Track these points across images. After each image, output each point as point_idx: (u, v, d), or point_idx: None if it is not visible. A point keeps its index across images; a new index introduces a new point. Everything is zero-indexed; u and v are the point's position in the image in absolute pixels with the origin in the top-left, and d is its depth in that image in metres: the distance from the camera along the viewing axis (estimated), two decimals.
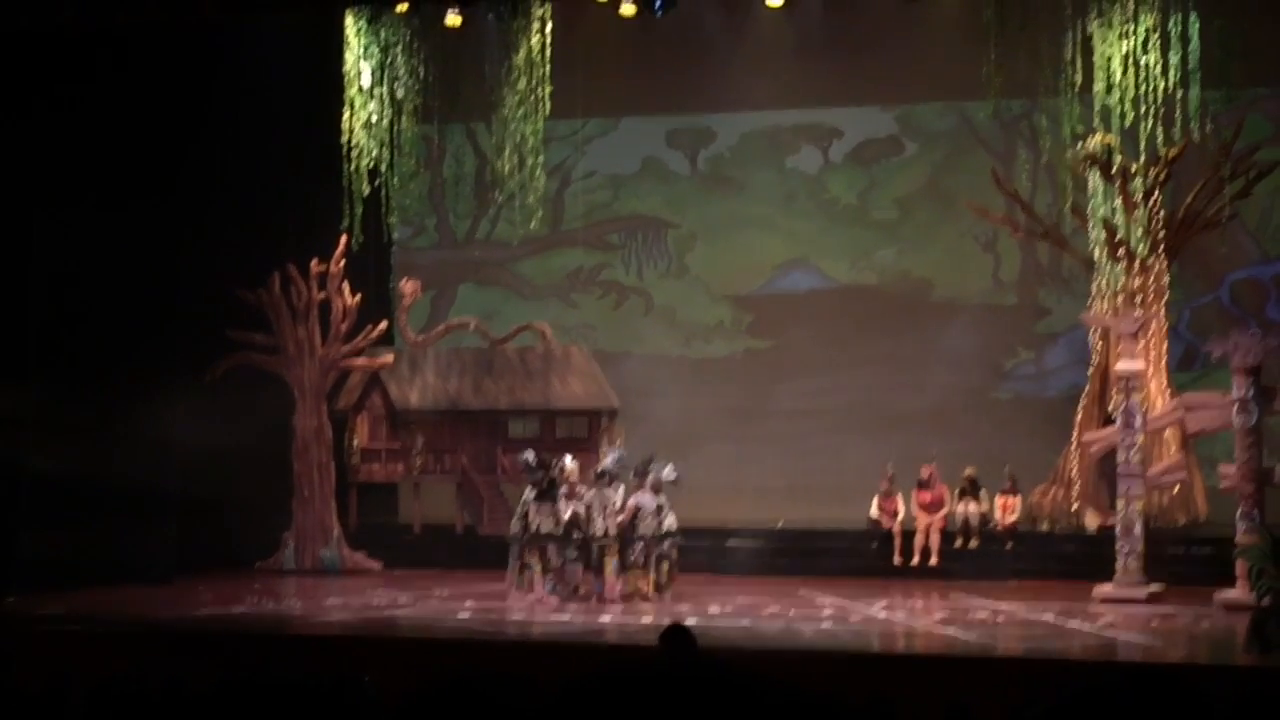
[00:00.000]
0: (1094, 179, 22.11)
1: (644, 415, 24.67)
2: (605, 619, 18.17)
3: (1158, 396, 21.70)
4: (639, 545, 19.63)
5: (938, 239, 26.27)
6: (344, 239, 23.01)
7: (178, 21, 22.03)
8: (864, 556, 22.24)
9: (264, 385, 23.21)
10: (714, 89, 26.03)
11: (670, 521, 19.81)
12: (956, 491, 22.13)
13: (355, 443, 24.22)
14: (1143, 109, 20.39)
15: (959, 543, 22.02)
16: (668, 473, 19.89)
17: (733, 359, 27.13)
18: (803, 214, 26.98)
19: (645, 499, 19.70)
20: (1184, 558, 20.99)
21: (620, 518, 19.62)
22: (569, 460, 20.28)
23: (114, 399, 20.53)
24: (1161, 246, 22.20)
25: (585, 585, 19.76)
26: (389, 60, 22.95)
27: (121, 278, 21.43)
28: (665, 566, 19.93)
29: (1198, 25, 20.33)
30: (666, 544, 19.89)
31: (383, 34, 22.91)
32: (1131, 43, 20.42)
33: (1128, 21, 20.49)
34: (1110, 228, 22.06)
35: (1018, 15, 21.38)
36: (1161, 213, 22.23)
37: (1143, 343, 21.05)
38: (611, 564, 19.52)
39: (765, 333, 27.00)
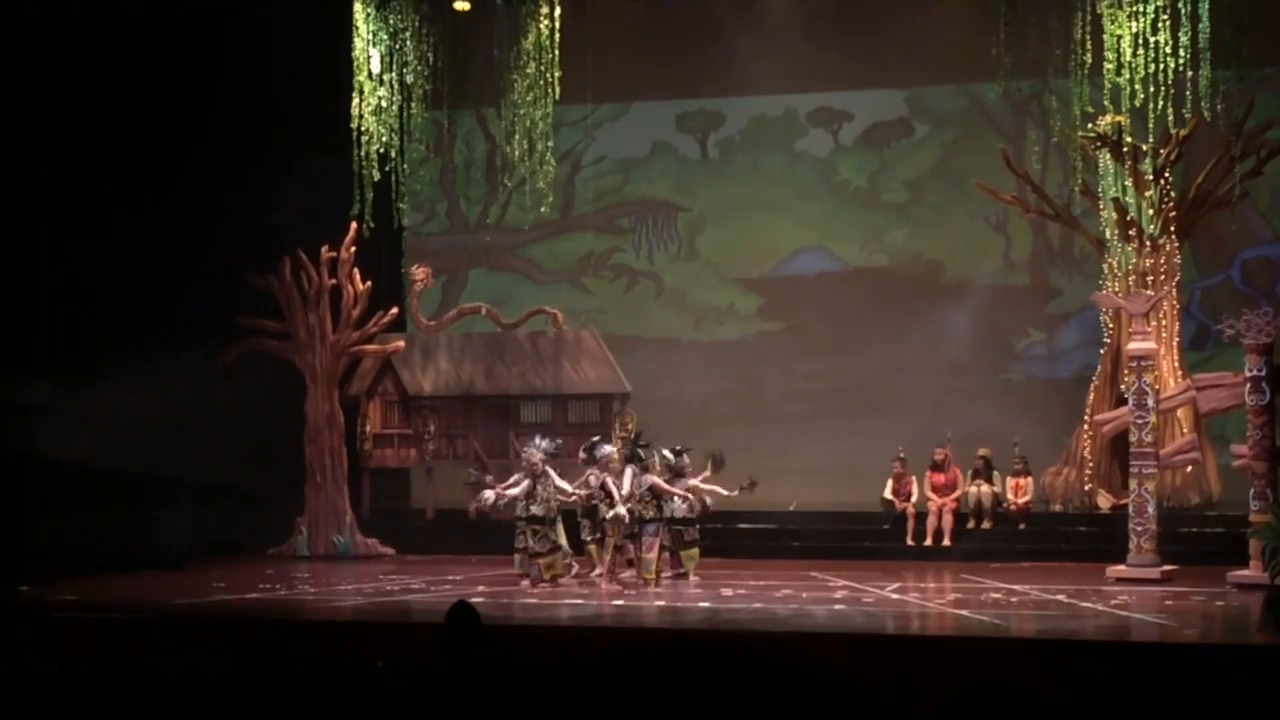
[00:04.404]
0: (1104, 159, 22.08)
1: (656, 399, 24.66)
2: (619, 603, 18.18)
3: (1169, 376, 21.67)
4: (643, 528, 19.62)
5: (948, 220, 26.26)
6: (354, 225, 23.02)
7: (187, 7, 22.08)
8: (877, 538, 22.24)
9: (275, 371, 23.23)
10: (723, 72, 25.98)
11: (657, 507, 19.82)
12: (969, 473, 22.13)
13: (368, 428, 24.24)
14: (1153, 89, 20.35)
15: (971, 524, 22.03)
16: (547, 445, 20.01)
17: (744, 342, 27.14)
18: (813, 197, 26.97)
19: (630, 479, 19.67)
20: (1197, 537, 20.98)
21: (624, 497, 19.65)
22: (543, 442, 20.25)
23: (125, 386, 20.53)
24: (1172, 226, 22.16)
25: (602, 566, 19.81)
26: (398, 46, 22.95)
27: (132, 264, 21.46)
28: (683, 553, 20.02)
29: (1207, 4, 20.27)
30: (680, 530, 19.94)
31: (391, 20, 22.90)
32: (1141, 22, 20.36)
33: (1137, 1, 20.43)
34: (1121, 208, 22.04)
35: None
36: (1172, 192, 22.18)
37: (1154, 323, 21.04)
38: (611, 544, 19.59)
39: (776, 315, 27.01)
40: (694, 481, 20.02)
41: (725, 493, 20.17)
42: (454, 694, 5.48)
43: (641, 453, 19.92)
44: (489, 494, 20.19)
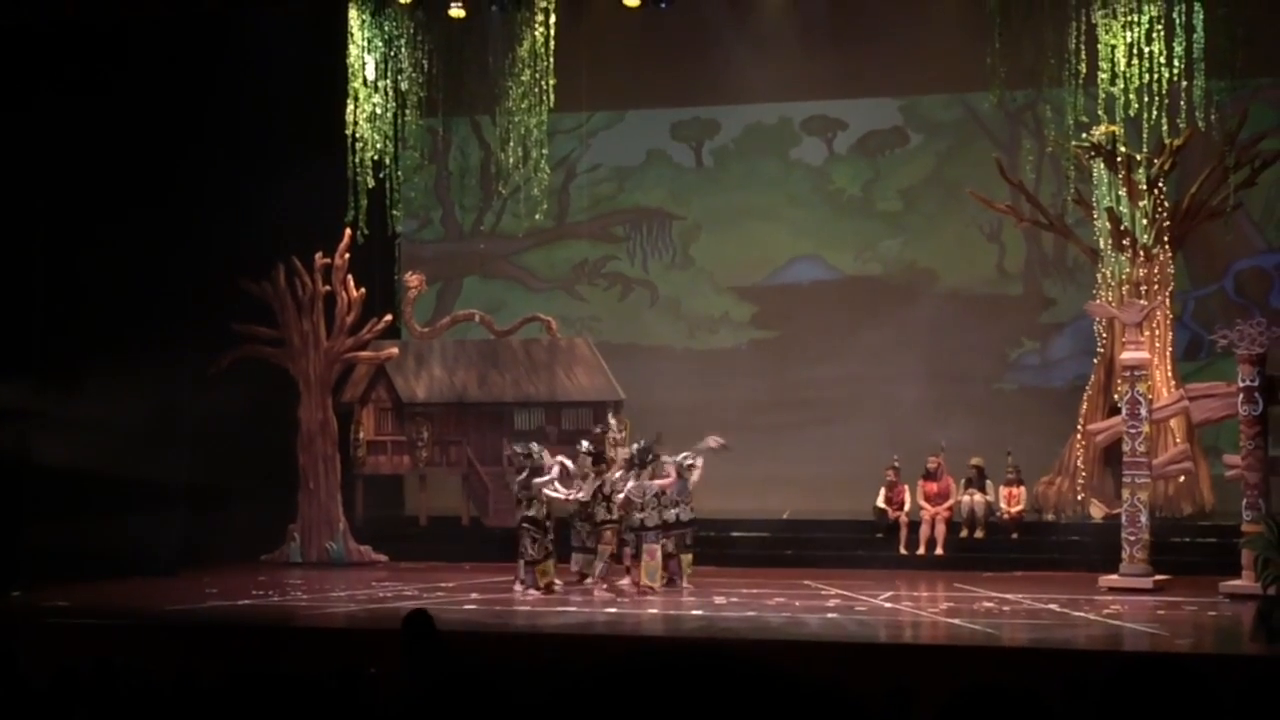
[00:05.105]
0: (1098, 169, 22.09)
1: (649, 407, 24.63)
2: (612, 611, 18.18)
3: (1163, 386, 21.67)
4: (644, 535, 19.63)
5: (942, 229, 26.27)
6: (349, 232, 23.02)
7: (182, 14, 22.07)
8: (870, 547, 22.22)
9: (269, 378, 23.21)
10: (718, 81, 26.02)
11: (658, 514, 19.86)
12: (962, 481, 22.13)
13: (361, 435, 24.23)
14: (1147, 99, 20.38)
15: (964, 533, 22.02)
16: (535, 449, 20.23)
17: (738, 350, 27.15)
18: (807, 205, 26.99)
19: (633, 486, 19.70)
20: (1189, 547, 20.98)
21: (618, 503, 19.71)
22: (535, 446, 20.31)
23: (118, 391, 20.52)
24: (1166, 236, 22.17)
25: (593, 573, 19.80)
26: (393, 53, 22.98)
27: (126, 270, 21.43)
28: (683, 557, 20.07)
29: (1202, 15, 20.33)
30: (682, 534, 20.02)
31: (386, 26, 22.93)
32: (1136, 32, 20.41)
33: (1132, 11, 20.46)
34: (1115, 217, 22.05)
35: (1022, 5, 21.45)
36: (1166, 202, 22.19)
37: (1148, 332, 21.04)
38: (607, 551, 19.64)
39: (770, 324, 27.02)
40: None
41: (715, 444, 20.57)
42: (445, 701, 5.47)
43: (647, 457, 19.94)
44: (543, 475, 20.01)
